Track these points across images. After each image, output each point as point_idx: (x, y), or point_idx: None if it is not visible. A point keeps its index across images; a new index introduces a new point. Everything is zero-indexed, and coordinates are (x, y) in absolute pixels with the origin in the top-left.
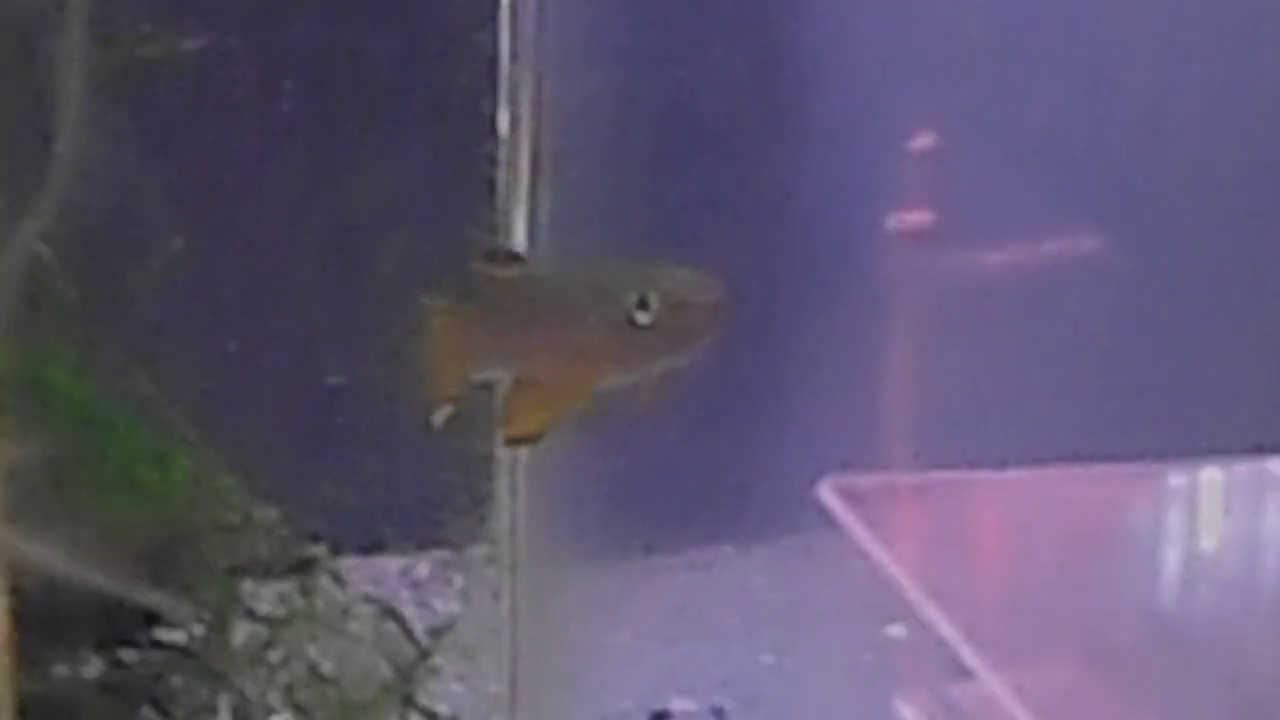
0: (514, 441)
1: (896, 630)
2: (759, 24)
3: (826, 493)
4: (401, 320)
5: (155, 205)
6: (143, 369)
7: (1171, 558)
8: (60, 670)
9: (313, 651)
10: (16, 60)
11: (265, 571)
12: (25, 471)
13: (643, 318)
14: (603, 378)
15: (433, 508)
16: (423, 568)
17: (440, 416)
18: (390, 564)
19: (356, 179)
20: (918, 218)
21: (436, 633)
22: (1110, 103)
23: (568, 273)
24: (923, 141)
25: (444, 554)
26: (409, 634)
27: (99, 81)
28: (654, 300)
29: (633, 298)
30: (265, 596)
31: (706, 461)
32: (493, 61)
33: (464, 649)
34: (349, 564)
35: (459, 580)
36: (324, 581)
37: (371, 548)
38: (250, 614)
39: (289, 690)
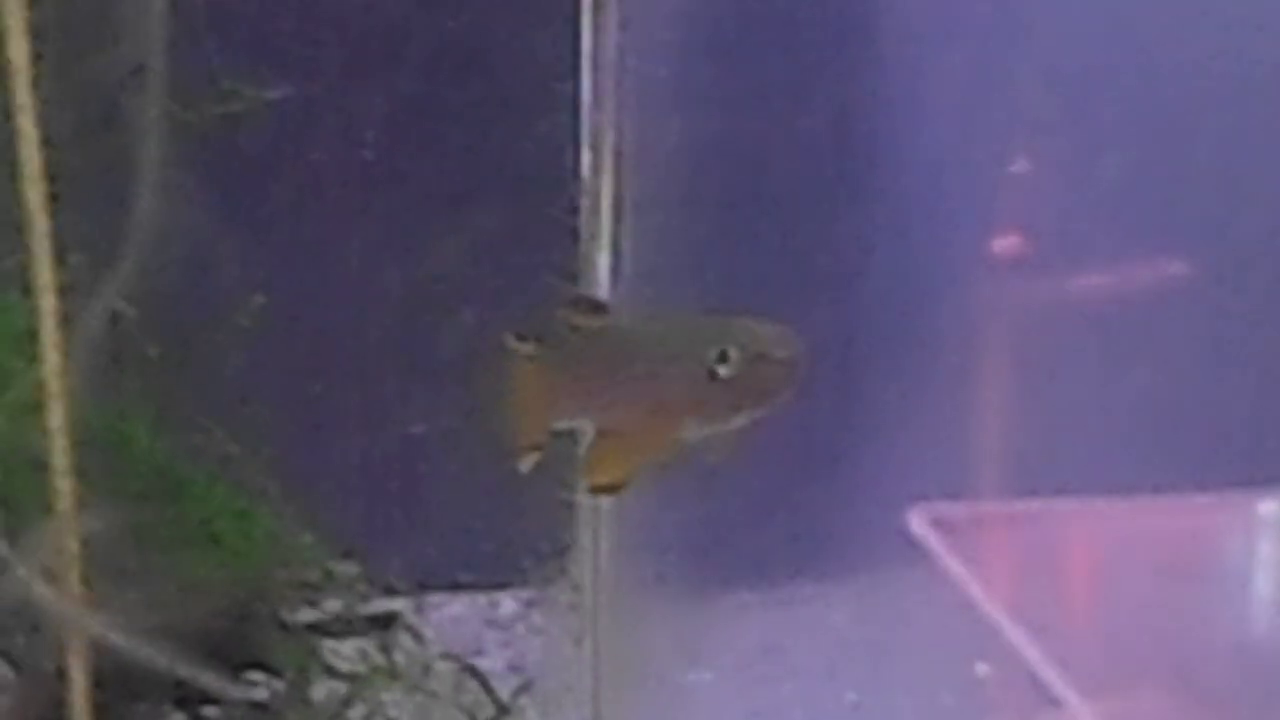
0: (598, 490)
1: (982, 668)
2: (839, 75)
3: (917, 521)
4: (487, 367)
5: (236, 260)
6: (222, 425)
7: (1262, 586)
8: None
9: (392, 708)
10: (96, 119)
11: (345, 628)
12: (104, 536)
13: (723, 371)
14: (683, 429)
15: (514, 554)
16: (504, 615)
17: (527, 463)
18: (472, 612)
19: (438, 227)
20: (1003, 248)
21: (517, 691)
22: (1203, 129)
23: (650, 325)
24: (1004, 176)
25: (526, 599)
26: (489, 690)
27: (179, 138)
28: (734, 354)
29: (713, 351)
30: (345, 653)
31: (789, 497)
32: (575, 109)
33: (545, 703)
34: (429, 615)
35: (540, 627)
36: (403, 638)
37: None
38: (330, 671)
39: None
